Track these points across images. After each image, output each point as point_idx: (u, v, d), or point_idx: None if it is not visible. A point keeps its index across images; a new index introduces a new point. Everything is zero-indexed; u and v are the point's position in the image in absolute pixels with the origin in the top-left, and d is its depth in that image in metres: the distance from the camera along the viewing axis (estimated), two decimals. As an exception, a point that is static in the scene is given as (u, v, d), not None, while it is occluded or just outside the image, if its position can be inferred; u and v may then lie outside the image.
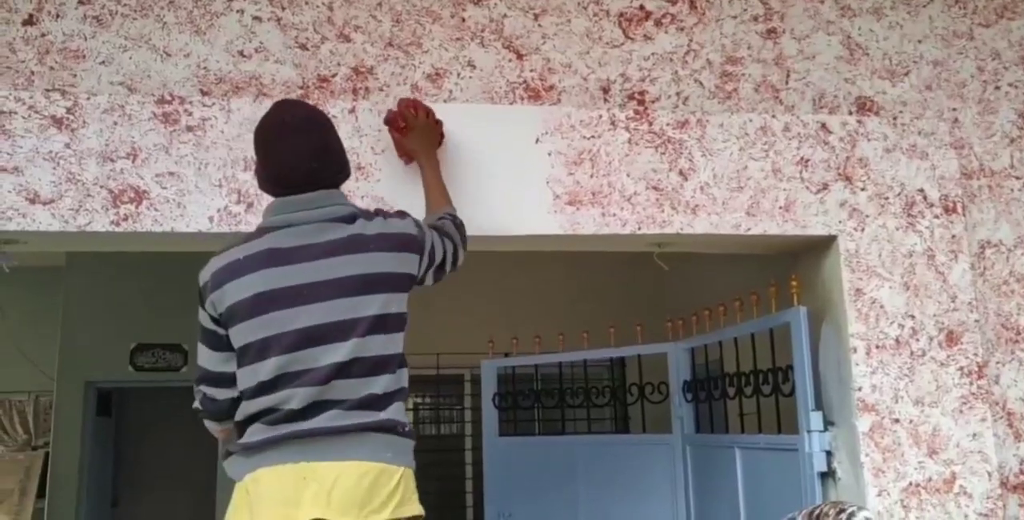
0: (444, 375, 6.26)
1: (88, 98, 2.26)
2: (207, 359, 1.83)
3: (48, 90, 2.29)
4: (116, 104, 2.27)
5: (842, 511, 1.80)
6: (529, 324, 4.61)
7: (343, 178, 1.93)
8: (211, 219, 2.25)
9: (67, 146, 2.23)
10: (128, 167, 2.24)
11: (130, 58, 2.38)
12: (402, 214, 1.95)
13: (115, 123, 2.26)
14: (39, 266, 6.18)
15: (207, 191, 2.26)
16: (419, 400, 7.28)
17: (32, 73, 2.35)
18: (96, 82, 2.35)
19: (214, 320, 1.80)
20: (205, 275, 1.82)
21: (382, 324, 1.77)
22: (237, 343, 1.78)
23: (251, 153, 1.98)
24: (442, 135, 2.35)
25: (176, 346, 6.20)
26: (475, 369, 4.36)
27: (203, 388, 1.83)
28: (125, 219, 2.22)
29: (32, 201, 2.20)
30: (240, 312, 1.76)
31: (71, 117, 2.24)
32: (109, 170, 2.24)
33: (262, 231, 1.83)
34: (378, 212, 1.92)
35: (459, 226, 2.11)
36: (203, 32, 2.43)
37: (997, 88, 2.78)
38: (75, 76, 2.35)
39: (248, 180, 2.25)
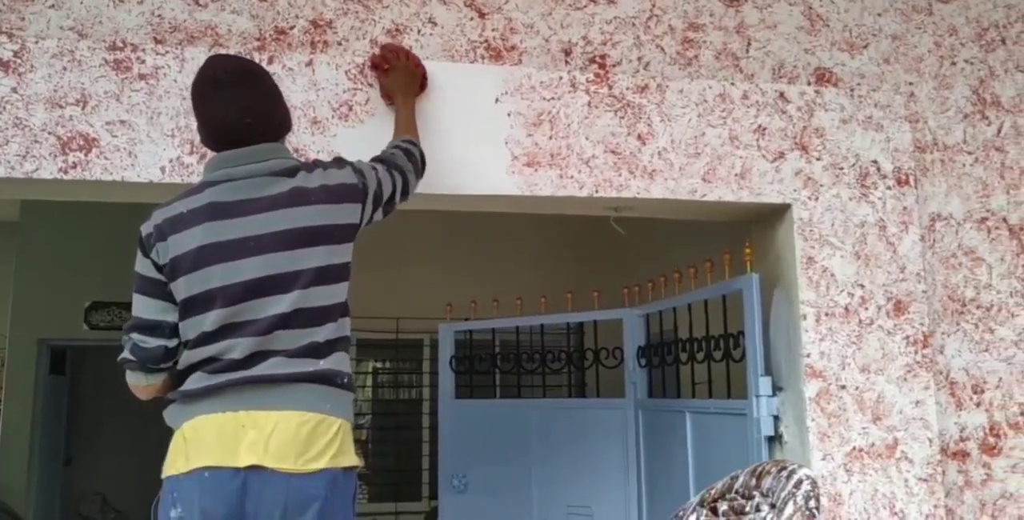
0: (404, 340, 6.28)
1: (36, 42, 2.20)
2: (143, 307, 1.81)
3: (-5, 33, 2.23)
4: (66, 49, 2.21)
5: (783, 468, 1.83)
6: (488, 289, 4.62)
7: (283, 131, 1.92)
8: (163, 169, 2.22)
9: (14, 90, 2.17)
10: (77, 114, 2.19)
11: (81, 2, 2.31)
12: (339, 162, 1.93)
13: (64, 68, 2.20)
14: (-8, 221, 6.06)
15: (159, 141, 2.22)
16: (379, 364, 7.29)
17: (-21, 15, 2.28)
18: (45, 26, 2.28)
19: (158, 268, 1.79)
20: (148, 227, 1.81)
21: (324, 275, 1.78)
22: (180, 296, 1.77)
23: (205, 103, 1.94)
24: (425, 78, 2.37)
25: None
26: (435, 334, 4.37)
27: (133, 335, 1.80)
28: (74, 167, 2.18)
29: (-23, 146, 2.15)
30: (184, 264, 1.75)
31: (18, 61, 2.19)
32: (58, 116, 2.18)
33: (203, 186, 1.82)
34: (316, 163, 1.90)
35: (410, 154, 2.08)
36: (158, -21, 2.37)
37: (953, 64, 2.80)
38: (23, 19, 2.28)
39: (201, 131, 2.21)
